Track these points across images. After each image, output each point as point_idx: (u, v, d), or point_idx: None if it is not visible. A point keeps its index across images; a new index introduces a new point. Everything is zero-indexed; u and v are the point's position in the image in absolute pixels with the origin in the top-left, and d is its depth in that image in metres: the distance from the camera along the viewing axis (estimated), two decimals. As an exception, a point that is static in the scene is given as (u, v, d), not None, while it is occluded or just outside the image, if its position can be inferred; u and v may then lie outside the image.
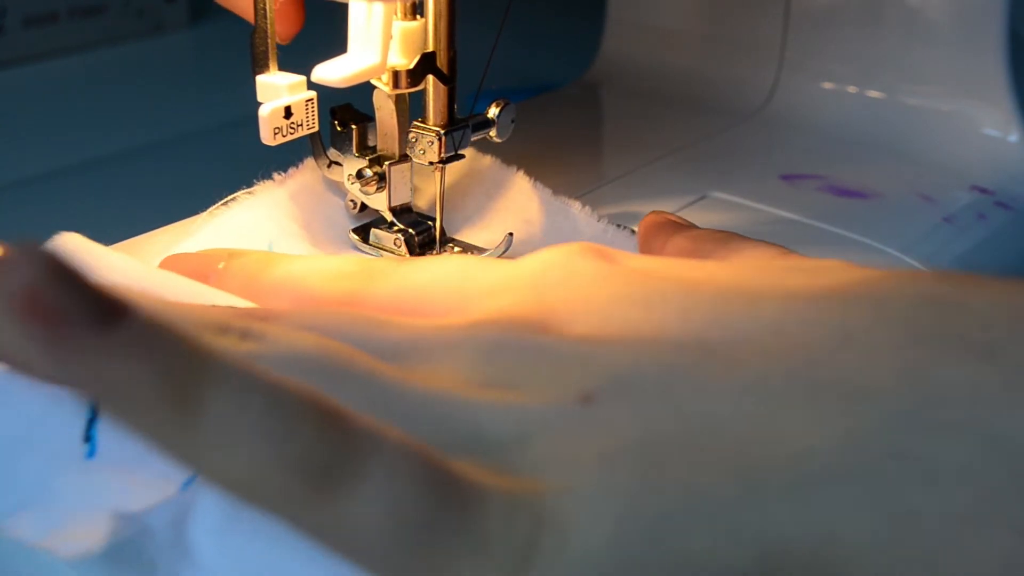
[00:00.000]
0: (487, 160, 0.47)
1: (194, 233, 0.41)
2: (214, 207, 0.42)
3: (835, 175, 0.55)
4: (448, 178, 0.46)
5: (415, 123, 0.42)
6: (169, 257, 0.36)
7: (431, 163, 0.42)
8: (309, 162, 0.44)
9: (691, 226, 0.37)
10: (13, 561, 0.27)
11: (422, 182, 0.46)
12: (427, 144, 0.41)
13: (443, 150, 0.41)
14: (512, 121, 0.43)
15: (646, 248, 0.38)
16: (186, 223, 0.42)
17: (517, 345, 0.25)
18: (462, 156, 0.42)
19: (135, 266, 0.35)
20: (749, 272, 0.28)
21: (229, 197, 0.42)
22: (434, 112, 0.41)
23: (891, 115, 0.62)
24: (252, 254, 0.34)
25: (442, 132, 0.41)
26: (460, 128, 0.42)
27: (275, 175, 0.43)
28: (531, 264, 0.29)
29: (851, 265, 0.28)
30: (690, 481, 0.22)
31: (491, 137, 0.43)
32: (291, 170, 0.44)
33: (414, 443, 0.22)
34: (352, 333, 0.26)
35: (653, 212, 0.39)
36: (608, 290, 0.27)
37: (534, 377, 0.24)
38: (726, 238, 0.35)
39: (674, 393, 0.23)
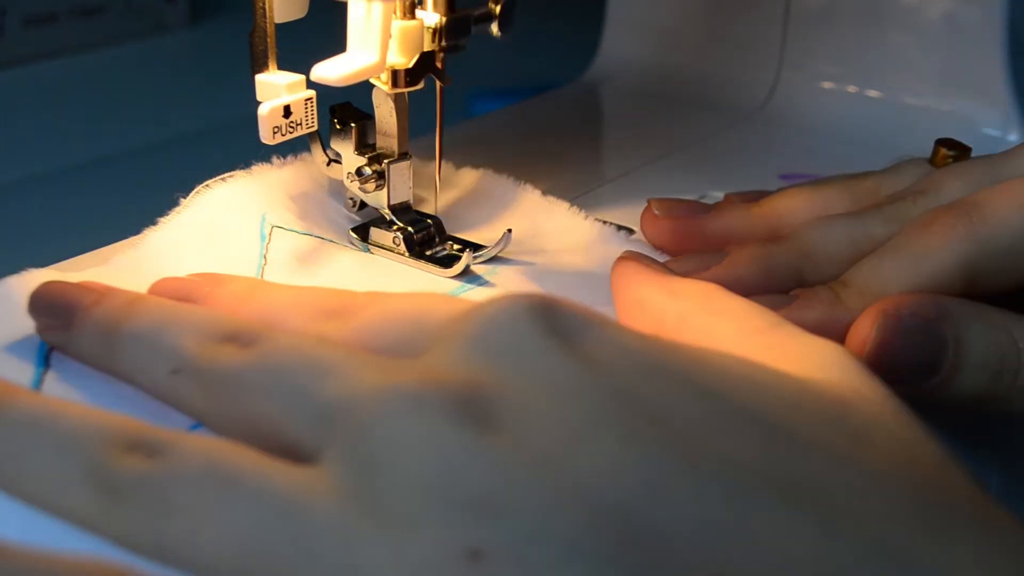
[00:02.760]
0: (489, 175, 0.47)
1: (189, 205, 0.41)
2: (211, 180, 0.42)
3: (835, 175, 0.55)
4: (450, 194, 0.47)
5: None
6: (159, 281, 0.36)
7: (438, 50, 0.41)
8: (305, 156, 0.44)
9: (665, 272, 0.35)
10: None
11: (423, 191, 0.46)
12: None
13: (443, 39, 0.41)
14: (512, 22, 0.43)
15: (619, 295, 0.36)
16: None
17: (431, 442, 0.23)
18: (463, 47, 0.42)
19: None
20: (723, 374, 0.26)
21: (228, 174, 0.42)
22: (434, 4, 0.41)
23: (891, 115, 0.62)
24: (238, 282, 0.35)
25: (443, 21, 0.40)
26: (462, 19, 0.41)
27: (274, 158, 0.44)
28: (475, 322, 0.26)
29: (833, 350, 0.28)
30: None
31: (492, 32, 0.43)
32: (290, 157, 0.44)
33: None
34: (295, 379, 0.26)
35: (625, 253, 0.37)
36: (547, 393, 0.24)
37: (425, 503, 0.22)
38: (707, 297, 0.33)
39: None
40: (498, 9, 0.42)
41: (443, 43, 0.41)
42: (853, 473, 0.23)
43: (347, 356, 0.26)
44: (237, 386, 0.27)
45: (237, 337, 0.28)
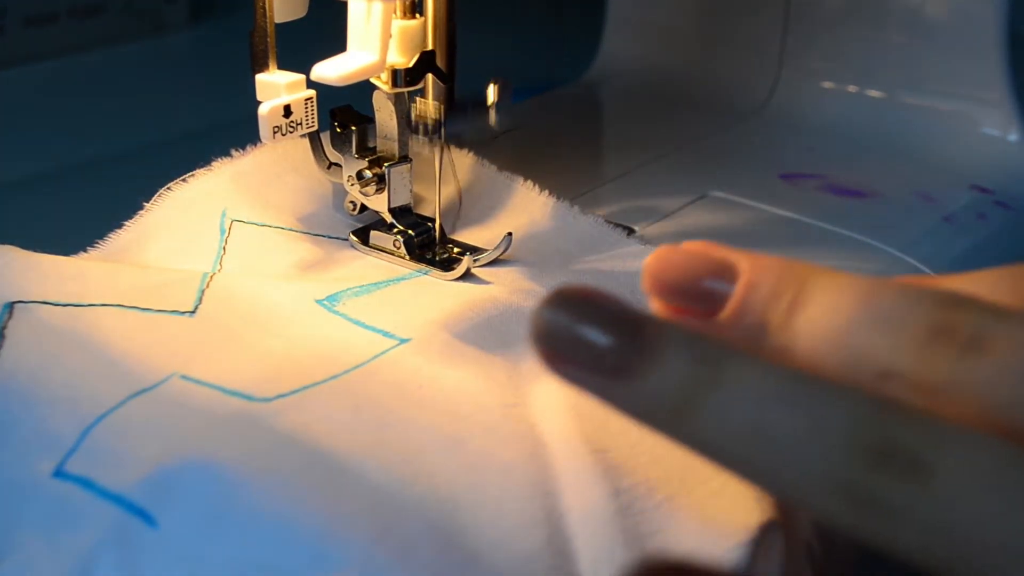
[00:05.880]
0: (491, 169, 0.47)
1: (150, 208, 0.42)
2: (173, 183, 0.43)
3: (835, 175, 0.55)
4: (450, 188, 0.47)
5: (418, 98, 0.42)
6: (654, 262, 0.26)
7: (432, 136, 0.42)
8: (263, 146, 0.44)
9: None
10: None
11: (424, 189, 0.46)
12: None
13: (443, 130, 0.41)
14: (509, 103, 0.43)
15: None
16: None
17: None
18: (465, 136, 0.42)
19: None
20: None
21: (188, 174, 0.43)
22: (433, 94, 0.42)
23: (891, 115, 0.62)
24: (769, 270, 0.25)
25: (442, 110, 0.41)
26: (459, 108, 0.42)
27: (233, 151, 0.44)
28: None
29: None
30: None
31: (490, 123, 0.43)
32: (248, 147, 0.44)
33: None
34: None
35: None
36: None
37: None
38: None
39: None
40: (495, 94, 0.43)
41: (443, 134, 0.42)
42: None
43: None
44: None
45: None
